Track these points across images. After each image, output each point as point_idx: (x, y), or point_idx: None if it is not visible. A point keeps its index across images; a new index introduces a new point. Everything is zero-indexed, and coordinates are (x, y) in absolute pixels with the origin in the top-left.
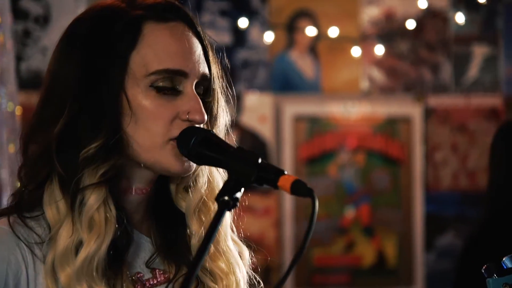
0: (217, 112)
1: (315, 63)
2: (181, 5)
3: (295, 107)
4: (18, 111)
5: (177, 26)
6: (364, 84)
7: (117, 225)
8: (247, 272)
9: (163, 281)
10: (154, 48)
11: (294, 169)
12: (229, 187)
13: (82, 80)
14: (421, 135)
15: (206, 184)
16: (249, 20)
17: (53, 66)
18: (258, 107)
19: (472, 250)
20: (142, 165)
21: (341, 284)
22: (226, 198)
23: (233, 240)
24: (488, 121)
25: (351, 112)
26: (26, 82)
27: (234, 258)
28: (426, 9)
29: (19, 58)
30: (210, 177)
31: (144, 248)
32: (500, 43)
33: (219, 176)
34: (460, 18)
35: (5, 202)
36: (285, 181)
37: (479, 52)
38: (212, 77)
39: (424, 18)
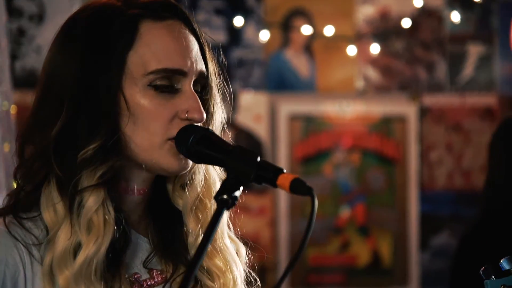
0: (213, 109)
1: (310, 62)
2: (176, 3)
3: (290, 106)
4: (13, 110)
5: (173, 24)
6: (359, 83)
7: (115, 227)
8: (244, 270)
9: (161, 282)
10: (152, 47)
11: (289, 168)
12: (228, 186)
13: (79, 80)
14: (416, 134)
15: (203, 181)
16: (245, 18)
17: (48, 65)
18: (253, 106)
19: (467, 249)
20: (144, 166)
21: (336, 284)
22: (225, 196)
23: (230, 237)
24: (483, 121)
25: (346, 111)
26: (20, 81)
27: (231, 256)
28: (421, 8)
29: (13, 57)
30: (206, 174)
31: (142, 248)
32: (495, 42)
33: (215, 173)
34: (455, 17)
35: (0, 202)
36: (284, 180)
37: (474, 51)
38: (209, 74)
39: (419, 17)
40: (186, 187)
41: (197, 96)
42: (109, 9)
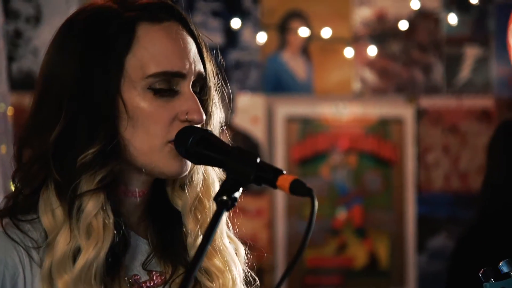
0: (211, 110)
1: (307, 64)
2: (173, 4)
3: (287, 108)
4: (10, 111)
5: (171, 26)
6: (356, 85)
7: (115, 231)
8: (243, 270)
9: (160, 283)
10: (150, 50)
11: (287, 170)
12: (228, 187)
13: (77, 82)
14: (413, 137)
15: (202, 181)
16: (241, 20)
17: (46, 68)
18: (250, 108)
19: (464, 251)
20: (143, 170)
21: (333, 285)
22: (225, 197)
23: (228, 237)
24: (479, 123)
25: (343, 113)
26: (17, 83)
27: (230, 256)
28: (418, 10)
29: (10, 59)
30: (205, 174)
31: (141, 250)
32: (492, 44)
33: (214, 173)
34: (452, 19)
35: None
36: (284, 181)
37: (471, 53)
38: (208, 75)
39: (416, 19)
40: (185, 188)
41: (196, 98)
42: (106, 12)
